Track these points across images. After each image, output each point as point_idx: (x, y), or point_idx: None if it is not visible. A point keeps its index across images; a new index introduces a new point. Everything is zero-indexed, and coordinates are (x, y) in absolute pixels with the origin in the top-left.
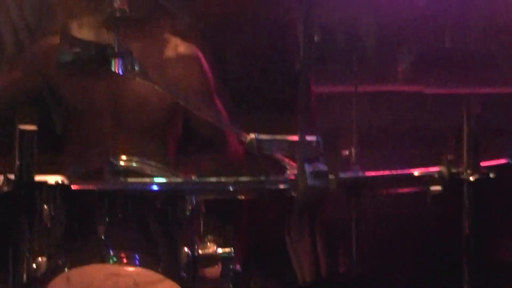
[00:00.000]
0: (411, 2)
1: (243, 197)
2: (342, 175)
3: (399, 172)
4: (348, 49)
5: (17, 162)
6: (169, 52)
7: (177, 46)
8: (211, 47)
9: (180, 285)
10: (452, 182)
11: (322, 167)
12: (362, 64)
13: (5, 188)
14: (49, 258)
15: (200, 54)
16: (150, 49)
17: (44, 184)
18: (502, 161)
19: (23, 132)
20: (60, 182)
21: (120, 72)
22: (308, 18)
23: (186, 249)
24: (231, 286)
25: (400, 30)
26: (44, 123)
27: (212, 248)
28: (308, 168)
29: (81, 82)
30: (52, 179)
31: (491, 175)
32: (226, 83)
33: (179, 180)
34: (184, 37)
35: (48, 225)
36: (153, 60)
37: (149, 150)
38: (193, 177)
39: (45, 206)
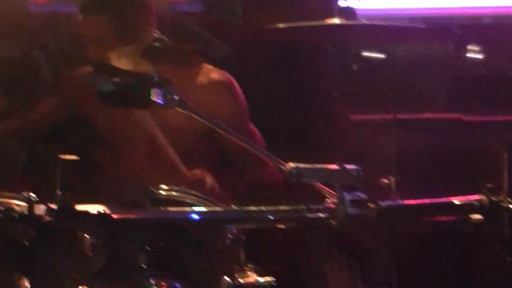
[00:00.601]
0: (447, 29)
1: (282, 226)
2: (381, 203)
3: (439, 200)
4: (386, 76)
5: (58, 192)
6: (202, 79)
7: (210, 72)
8: (244, 75)
9: None
10: (492, 211)
11: (362, 195)
12: (400, 92)
13: (47, 218)
14: (90, 287)
15: (233, 80)
16: (183, 76)
17: (85, 213)
18: None
19: (63, 161)
20: (101, 211)
21: (160, 102)
22: (346, 47)
23: (226, 278)
24: None
25: (438, 57)
26: (80, 153)
27: (252, 277)
28: (347, 197)
29: (115, 111)
30: (93, 208)
31: None
32: (260, 111)
33: (218, 209)
34: (219, 65)
35: (89, 254)
36: (186, 87)
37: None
38: (232, 206)
39: (86, 235)
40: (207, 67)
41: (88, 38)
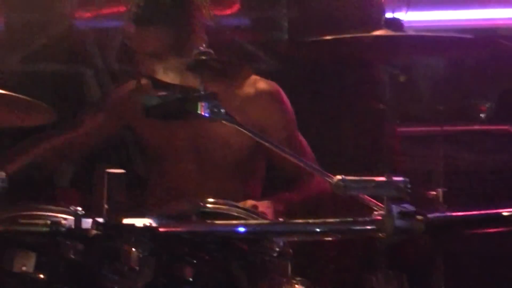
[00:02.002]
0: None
1: (330, 239)
2: (429, 215)
3: (487, 212)
4: (433, 88)
5: (105, 206)
6: (249, 90)
7: (257, 83)
8: (290, 89)
9: None
10: None
11: (409, 207)
12: (447, 104)
13: (94, 231)
14: None
15: (280, 90)
16: (230, 88)
17: (132, 226)
18: None
19: (111, 175)
20: (148, 224)
21: (207, 115)
22: (393, 59)
23: None
24: None
25: (486, 69)
26: (128, 166)
27: None
28: (395, 209)
29: (162, 125)
30: (140, 221)
31: None
32: (307, 124)
33: (265, 222)
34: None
35: (136, 268)
36: (233, 100)
37: (233, 191)
38: (279, 219)
39: (133, 249)
40: (254, 78)
41: (139, 50)
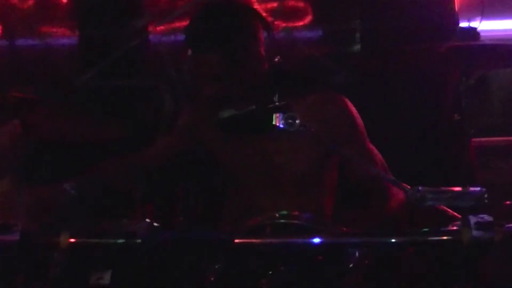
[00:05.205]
0: None
1: (406, 250)
2: (508, 226)
3: None
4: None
5: (180, 218)
6: (319, 101)
7: (326, 95)
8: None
9: None
10: None
11: (487, 218)
12: None
13: (169, 244)
14: None
15: (348, 101)
16: (302, 100)
17: (207, 238)
18: None
19: (186, 188)
20: (222, 237)
21: (282, 126)
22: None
23: None
24: None
25: None
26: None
27: None
28: (472, 220)
29: (233, 141)
30: (214, 234)
31: None
32: (381, 135)
33: (340, 233)
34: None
35: (212, 279)
36: (304, 111)
37: (306, 204)
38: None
39: (208, 261)
40: (323, 90)
41: (200, 75)
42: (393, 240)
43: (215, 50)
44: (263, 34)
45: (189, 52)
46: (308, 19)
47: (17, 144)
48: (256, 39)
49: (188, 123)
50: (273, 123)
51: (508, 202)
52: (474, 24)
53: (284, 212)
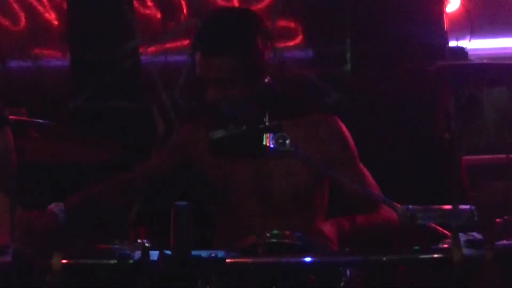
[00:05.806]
0: None
1: (397, 268)
2: (498, 244)
3: None
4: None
5: (173, 238)
6: (310, 122)
7: (317, 115)
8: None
9: None
10: None
11: (477, 236)
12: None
13: (162, 264)
14: None
15: (339, 121)
16: (293, 121)
17: (198, 258)
18: None
19: (178, 208)
20: (214, 256)
21: (272, 146)
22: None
23: None
24: None
25: None
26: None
27: None
28: (462, 238)
29: (224, 162)
30: (206, 253)
31: None
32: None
33: (332, 252)
34: (329, 111)
35: None
36: (295, 131)
37: (298, 224)
38: (346, 249)
39: (200, 281)
40: (314, 110)
41: (209, 79)
42: (384, 259)
43: (227, 53)
44: (268, 44)
45: (203, 58)
46: (299, 39)
47: (10, 154)
48: (265, 47)
49: (179, 144)
50: (264, 143)
51: (498, 220)
52: (463, 43)
53: (276, 232)
